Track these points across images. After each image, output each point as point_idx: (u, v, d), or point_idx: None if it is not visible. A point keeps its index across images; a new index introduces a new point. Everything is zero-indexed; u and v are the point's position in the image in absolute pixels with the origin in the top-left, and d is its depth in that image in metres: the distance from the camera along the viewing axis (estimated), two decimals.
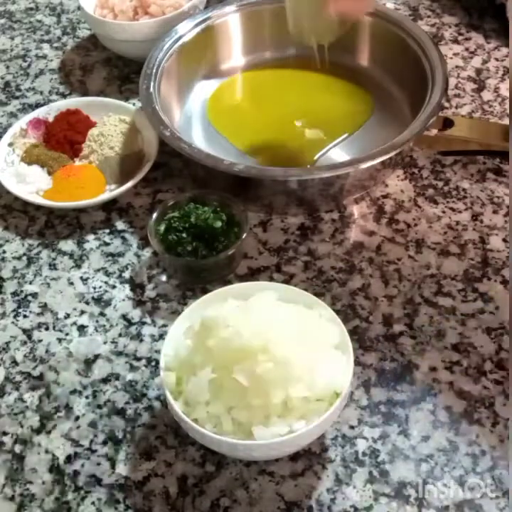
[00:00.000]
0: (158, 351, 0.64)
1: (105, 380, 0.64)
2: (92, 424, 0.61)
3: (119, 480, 0.57)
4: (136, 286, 0.70)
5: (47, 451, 0.60)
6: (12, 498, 0.57)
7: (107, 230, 0.76)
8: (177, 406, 0.53)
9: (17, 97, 0.92)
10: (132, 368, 0.64)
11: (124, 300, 0.69)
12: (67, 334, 0.67)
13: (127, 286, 0.70)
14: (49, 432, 0.61)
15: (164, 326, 0.67)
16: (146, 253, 0.73)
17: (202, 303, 0.59)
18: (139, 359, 0.65)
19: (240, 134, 0.83)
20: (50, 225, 0.77)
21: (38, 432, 0.61)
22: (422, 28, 0.86)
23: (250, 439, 0.52)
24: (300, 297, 0.59)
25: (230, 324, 0.55)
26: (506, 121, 0.83)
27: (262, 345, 0.53)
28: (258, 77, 0.91)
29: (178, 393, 0.55)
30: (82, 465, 0.59)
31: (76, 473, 0.58)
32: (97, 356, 0.65)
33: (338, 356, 0.56)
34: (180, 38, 0.86)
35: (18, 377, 0.64)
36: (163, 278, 0.71)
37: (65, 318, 0.68)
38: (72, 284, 0.71)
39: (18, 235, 0.76)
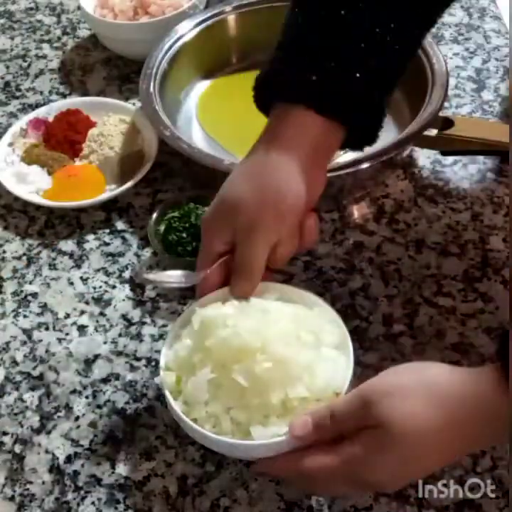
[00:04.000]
0: (158, 351, 0.64)
1: (105, 380, 0.64)
2: (92, 424, 0.61)
3: (119, 480, 0.57)
4: (136, 286, 0.70)
5: (47, 451, 0.60)
6: (12, 498, 0.57)
7: (107, 230, 0.76)
8: (176, 406, 0.53)
9: (17, 97, 0.92)
10: (132, 368, 0.64)
11: (124, 300, 0.69)
12: (67, 334, 0.67)
13: (127, 286, 0.70)
14: (49, 432, 0.61)
15: (164, 326, 0.67)
16: (146, 253, 0.73)
17: (202, 303, 0.59)
18: (139, 359, 0.65)
19: (229, 134, 0.83)
20: (50, 225, 0.77)
21: (38, 431, 0.61)
22: None
23: (249, 439, 0.52)
24: (300, 297, 0.59)
25: (230, 324, 0.55)
26: (506, 121, 0.83)
27: (260, 345, 0.53)
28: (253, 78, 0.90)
29: (177, 393, 0.55)
30: (82, 465, 0.59)
31: (76, 473, 0.58)
32: (97, 356, 0.65)
33: (338, 356, 0.56)
34: (180, 38, 0.86)
35: (18, 377, 0.64)
36: None
37: (65, 318, 0.68)
38: (72, 284, 0.71)
39: (18, 235, 0.76)
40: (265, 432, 0.51)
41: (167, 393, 0.54)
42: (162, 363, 0.56)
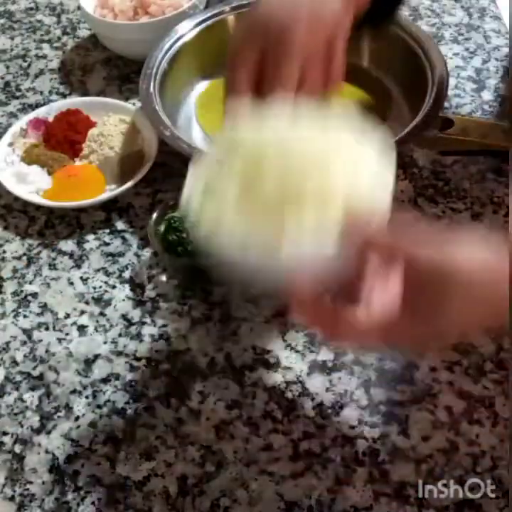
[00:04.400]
0: (158, 351, 0.65)
1: (105, 380, 0.64)
2: (92, 424, 0.61)
3: (119, 480, 0.58)
4: (136, 286, 0.70)
5: (47, 451, 0.60)
6: (12, 498, 0.57)
7: (107, 230, 0.76)
8: (201, 227, 0.49)
9: (17, 97, 0.92)
10: (132, 368, 0.64)
11: (124, 300, 0.69)
12: (67, 334, 0.67)
13: (127, 286, 0.70)
14: (49, 432, 0.61)
15: (164, 326, 0.67)
16: (146, 253, 0.73)
17: (231, 127, 0.54)
18: (139, 359, 0.65)
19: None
20: (50, 225, 0.77)
21: (38, 431, 0.61)
22: (421, 27, 0.86)
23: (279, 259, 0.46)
24: (348, 122, 0.51)
25: (263, 143, 0.49)
26: (506, 121, 0.83)
27: (296, 162, 0.48)
28: None
29: (200, 220, 0.50)
30: (82, 465, 0.59)
31: (76, 473, 0.58)
32: (97, 356, 0.65)
33: (378, 177, 0.50)
34: (180, 38, 0.86)
35: (18, 377, 0.64)
36: (163, 278, 0.71)
37: (65, 318, 0.68)
38: (72, 284, 0.71)
39: (18, 235, 0.76)
40: (297, 249, 0.46)
41: (193, 210, 0.49)
42: (190, 182, 0.51)
